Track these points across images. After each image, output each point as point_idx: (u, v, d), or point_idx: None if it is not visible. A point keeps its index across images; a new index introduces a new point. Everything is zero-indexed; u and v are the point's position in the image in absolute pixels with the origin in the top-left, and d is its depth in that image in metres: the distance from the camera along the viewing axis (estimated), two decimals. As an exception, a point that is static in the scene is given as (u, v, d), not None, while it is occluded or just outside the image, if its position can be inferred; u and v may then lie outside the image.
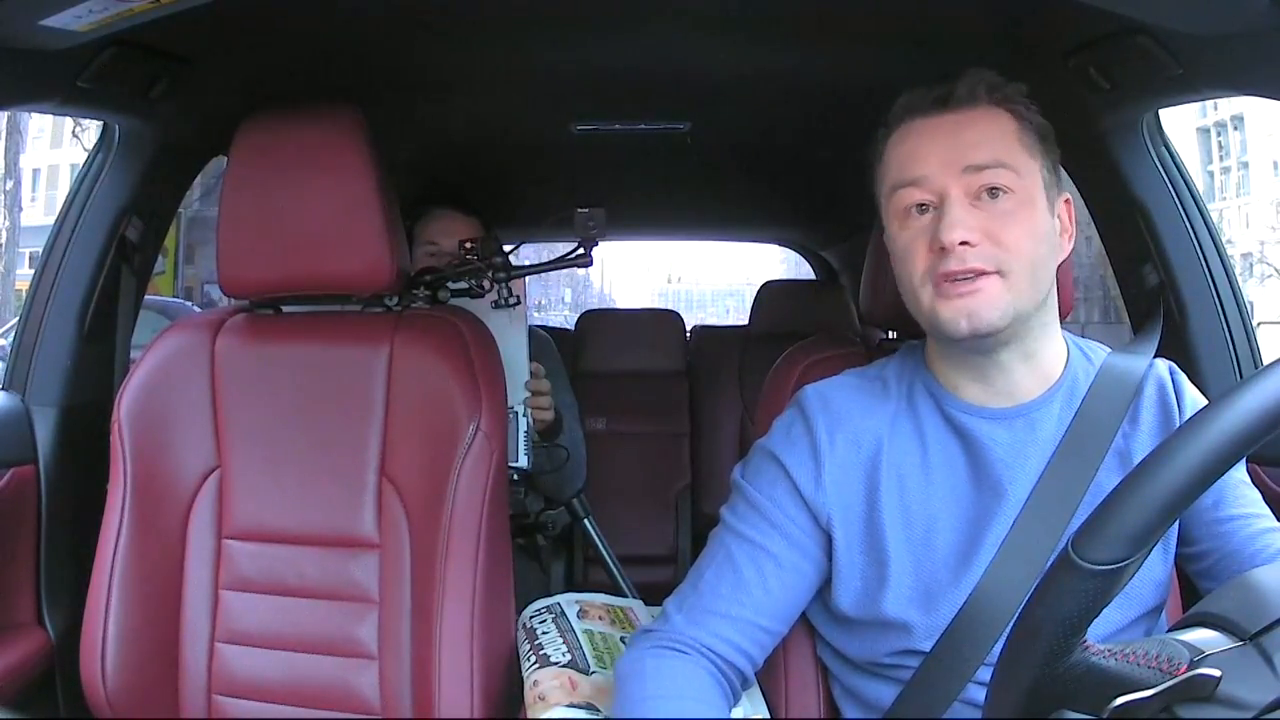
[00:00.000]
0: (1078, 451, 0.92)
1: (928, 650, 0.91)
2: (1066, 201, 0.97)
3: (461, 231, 1.71)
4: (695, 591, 0.98)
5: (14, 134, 8.41)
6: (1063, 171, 0.98)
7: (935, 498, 0.95)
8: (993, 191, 0.90)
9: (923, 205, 0.92)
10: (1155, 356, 1.02)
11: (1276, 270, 9.71)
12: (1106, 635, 0.88)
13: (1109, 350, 1.02)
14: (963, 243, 0.88)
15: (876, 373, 1.03)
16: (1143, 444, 0.95)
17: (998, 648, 0.84)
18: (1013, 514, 0.92)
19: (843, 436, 0.98)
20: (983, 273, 0.88)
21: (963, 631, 0.89)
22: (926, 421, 0.98)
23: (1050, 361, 0.97)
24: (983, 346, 0.92)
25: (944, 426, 0.97)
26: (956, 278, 0.88)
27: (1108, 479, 0.91)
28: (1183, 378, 1.00)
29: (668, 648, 0.95)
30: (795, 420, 1.00)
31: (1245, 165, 10.82)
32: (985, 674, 0.85)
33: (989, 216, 0.89)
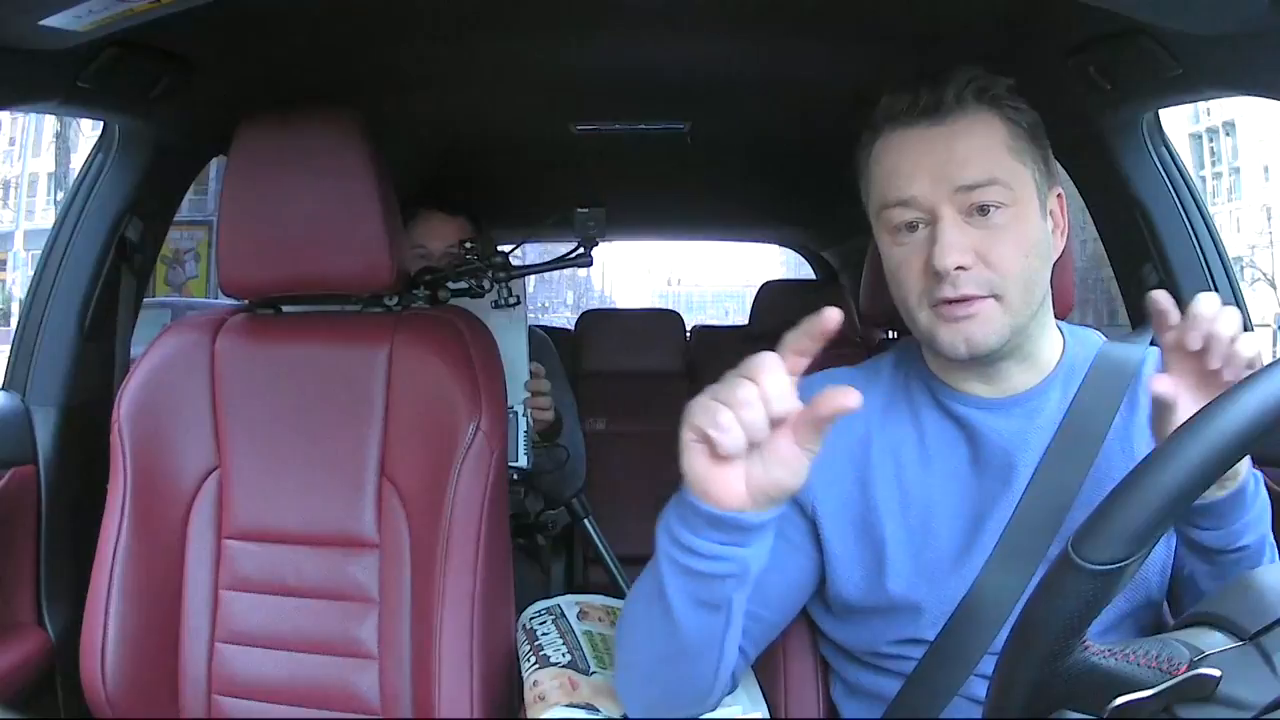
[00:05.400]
0: (1077, 436, 0.92)
1: (930, 639, 0.91)
2: (1059, 196, 0.96)
3: (449, 233, 1.70)
4: None
5: (64, 150, 8.45)
6: (1056, 164, 0.97)
7: (934, 483, 0.95)
8: (984, 208, 0.89)
9: (913, 223, 0.91)
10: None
11: (1264, 275, 9.70)
12: (1108, 624, 0.89)
13: (1105, 338, 1.02)
14: (958, 267, 0.87)
15: (872, 364, 1.04)
16: (1142, 429, 0.94)
17: (1002, 636, 0.84)
18: (1014, 500, 0.92)
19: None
20: (978, 298, 0.88)
21: (966, 618, 0.89)
22: (922, 409, 0.98)
23: (1046, 355, 0.97)
24: (981, 363, 0.93)
25: (941, 415, 0.97)
26: (952, 302, 0.88)
27: (1108, 463, 0.91)
28: None
29: None
30: None
31: (1236, 170, 10.82)
32: (988, 665, 0.85)
33: (981, 234, 0.89)
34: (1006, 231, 0.89)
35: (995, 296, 0.88)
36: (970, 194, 0.89)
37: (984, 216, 0.89)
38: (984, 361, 0.92)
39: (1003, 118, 0.92)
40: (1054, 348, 0.98)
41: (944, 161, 0.89)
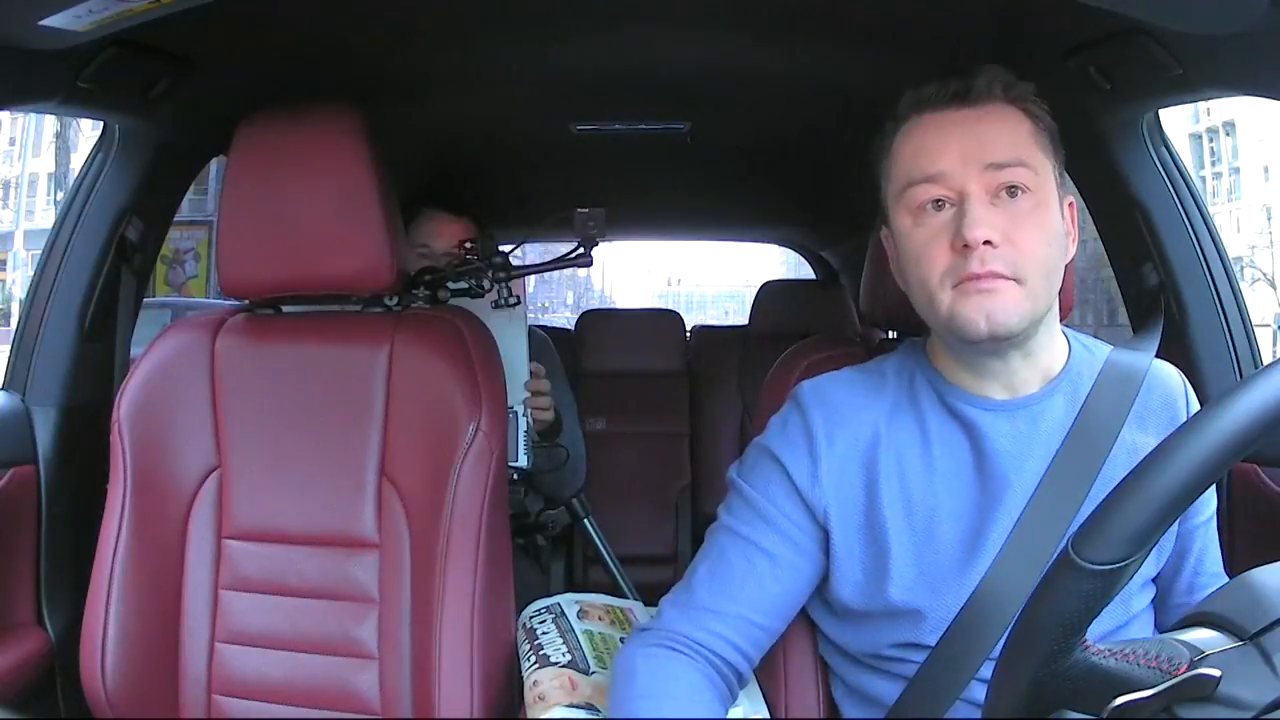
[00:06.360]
0: (1083, 445, 0.92)
1: (931, 644, 0.91)
2: (1070, 204, 0.97)
3: (453, 233, 1.70)
4: (688, 589, 0.98)
5: (63, 150, 8.47)
6: (1067, 176, 0.98)
7: (938, 488, 0.95)
8: (1011, 190, 0.89)
9: (939, 201, 0.90)
10: (1156, 358, 1.02)
11: (1264, 275, 9.71)
12: (1103, 634, 0.89)
13: (1111, 347, 1.02)
14: (986, 242, 0.87)
15: (876, 366, 1.03)
16: (1149, 441, 0.94)
17: (1003, 642, 0.85)
18: (1018, 507, 0.92)
19: (840, 430, 0.97)
20: (1001, 277, 0.88)
21: (968, 624, 0.89)
22: (928, 412, 0.98)
23: (1049, 358, 0.97)
24: (997, 349, 0.92)
25: (946, 417, 0.97)
26: (979, 277, 0.88)
27: (1114, 473, 0.90)
28: (1192, 391, 1.01)
29: (661, 646, 0.96)
30: (791, 415, 1.00)
31: (1236, 170, 10.83)
32: (989, 670, 0.85)
33: (1008, 216, 0.89)
34: (1031, 217, 0.90)
35: (1017, 280, 0.88)
36: (999, 173, 0.89)
37: (1011, 199, 0.89)
38: (998, 348, 0.92)
39: (1028, 114, 0.93)
40: (1059, 352, 0.98)
41: (973, 139, 0.90)
